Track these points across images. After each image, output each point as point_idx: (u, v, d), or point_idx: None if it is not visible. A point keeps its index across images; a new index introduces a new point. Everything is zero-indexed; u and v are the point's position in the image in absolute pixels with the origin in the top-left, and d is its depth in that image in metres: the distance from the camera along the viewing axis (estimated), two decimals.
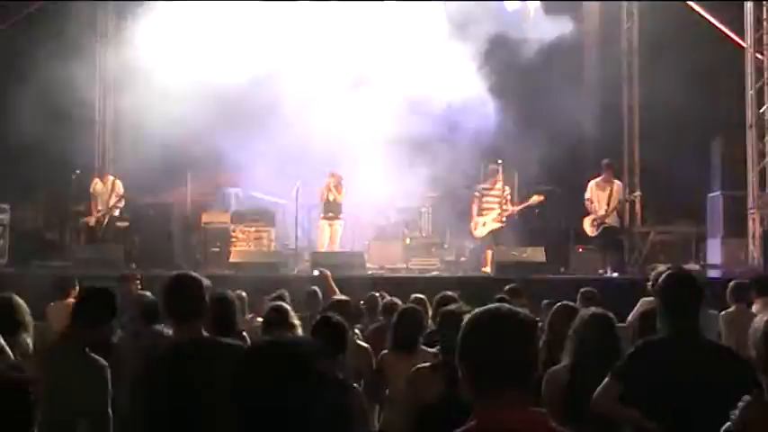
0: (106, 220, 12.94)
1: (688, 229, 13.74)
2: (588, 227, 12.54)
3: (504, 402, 2.24)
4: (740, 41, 12.99)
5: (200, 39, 13.97)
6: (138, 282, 8.48)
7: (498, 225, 12.70)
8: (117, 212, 13.11)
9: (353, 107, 13.62)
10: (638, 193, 14.06)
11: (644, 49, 15.03)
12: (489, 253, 12.51)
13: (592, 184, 12.57)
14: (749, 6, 12.84)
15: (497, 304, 2.40)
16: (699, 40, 13.24)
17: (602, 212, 12.40)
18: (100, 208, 13.02)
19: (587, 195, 12.55)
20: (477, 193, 12.86)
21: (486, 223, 12.69)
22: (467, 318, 2.35)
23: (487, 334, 2.29)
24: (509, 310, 2.35)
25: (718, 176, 13.43)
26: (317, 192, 13.40)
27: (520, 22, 14.00)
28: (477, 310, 2.37)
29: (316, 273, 7.65)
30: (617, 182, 12.73)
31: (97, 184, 13.17)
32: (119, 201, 13.01)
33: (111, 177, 13.18)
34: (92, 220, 13.03)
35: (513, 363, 2.26)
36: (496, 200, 12.72)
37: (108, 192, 13.00)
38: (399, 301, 6.89)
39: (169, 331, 5.66)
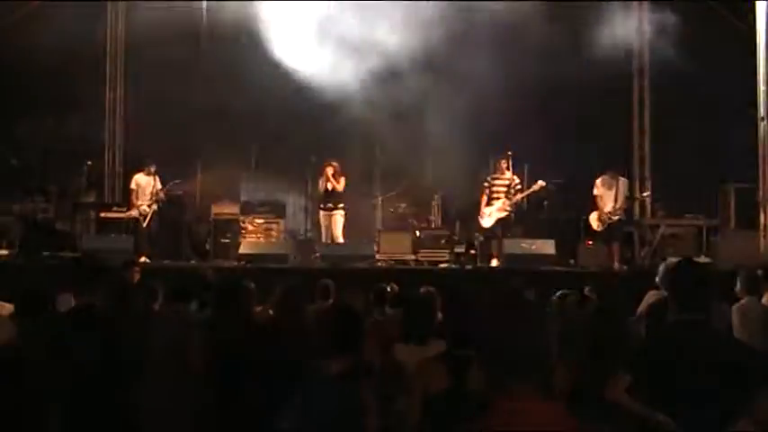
0: (151, 211, 12.96)
1: (699, 222, 13.68)
2: (595, 222, 12.56)
3: (521, 393, 2.24)
4: (753, 35, 12.92)
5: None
6: (138, 269, 8.77)
7: (504, 214, 12.64)
8: (157, 207, 13.11)
9: (359, 96, 13.64)
10: (647, 193, 14.12)
11: (654, 42, 14.96)
12: (497, 244, 12.51)
13: (599, 180, 12.58)
14: (762, 3, 12.81)
15: (510, 295, 2.40)
16: (711, 34, 13.17)
17: (608, 209, 12.40)
18: (140, 202, 13.01)
19: (595, 191, 12.55)
20: (486, 183, 12.80)
21: (491, 213, 12.63)
22: (482, 309, 2.36)
23: (500, 323, 2.29)
24: (520, 299, 2.35)
25: (730, 169, 13.36)
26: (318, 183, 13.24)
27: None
28: (489, 300, 2.37)
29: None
30: (622, 178, 12.73)
31: (140, 178, 13.18)
32: (158, 194, 13.02)
33: (153, 172, 13.10)
34: (134, 212, 13.05)
35: (526, 351, 2.26)
36: (504, 189, 12.65)
37: (152, 184, 13.03)
38: (406, 294, 6.87)
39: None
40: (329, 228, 13.05)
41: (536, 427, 2.21)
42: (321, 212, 13.19)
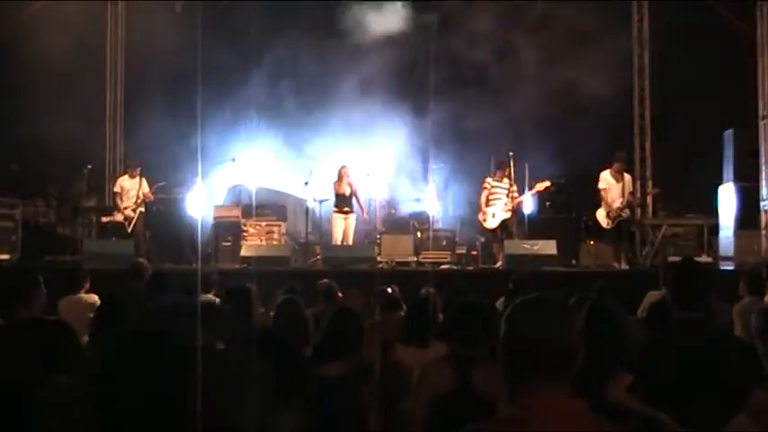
0: (135, 216, 12.91)
1: (700, 222, 13.67)
2: (603, 218, 12.42)
3: (544, 391, 2.23)
4: (752, 33, 12.92)
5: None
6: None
7: (508, 216, 12.58)
8: (143, 209, 13.05)
9: (360, 98, 13.65)
10: (656, 189, 14.05)
11: (655, 41, 14.97)
12: (499, 246, 12.47)
13: (604, 174, 12.47)
14: (763, 3, 12.80)
15: (536, 294, 2.38)
16: (710, 32, 13.17)
17: (617, 204, 12.30)
18: (126, 204, 12.97)
19: (601, 185, 12.43)
20: (485, 184, 12.75)
21: (495, 214, 12.56)
22: (510, 307, 2.34)
23: (529, 322, 2.27)
24: (549, 297, 2.33)
25: (731, 168, 13.34)
26: (332, 185, 13.23)
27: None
28: (517, 299, 2.35)
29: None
30: (627, 174, 12.66)
31: (125, 180, 13.13)
32: (144, 199, 12.96)
33: (138, 174, 13.06)
34: (119, 216, 13.01)
35: (553, 350, 2.24)
36: (505, 190, 12.60)
37: (136, 188, 12.96)
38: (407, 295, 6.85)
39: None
40: (344, 230, 13.02)
41: (560, 425, 2.19)
42: (336, 215, 13.13)
